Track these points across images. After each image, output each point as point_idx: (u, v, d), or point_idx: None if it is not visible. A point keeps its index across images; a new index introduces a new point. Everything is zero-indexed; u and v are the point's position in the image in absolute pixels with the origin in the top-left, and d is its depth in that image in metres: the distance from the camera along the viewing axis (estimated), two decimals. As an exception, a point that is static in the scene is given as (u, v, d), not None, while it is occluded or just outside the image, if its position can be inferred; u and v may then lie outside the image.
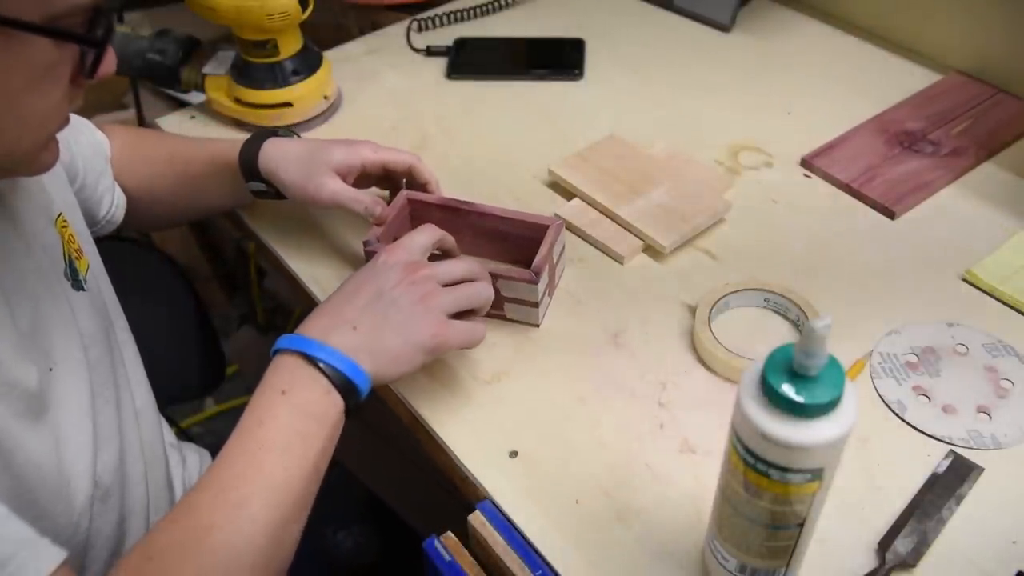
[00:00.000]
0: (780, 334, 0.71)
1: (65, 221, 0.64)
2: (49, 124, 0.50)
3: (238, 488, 0.53)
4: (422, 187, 0.78)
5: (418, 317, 0.61)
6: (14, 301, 0.54)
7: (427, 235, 0.67)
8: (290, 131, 0.85)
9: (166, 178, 0.82)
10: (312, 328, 0.60)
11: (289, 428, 0.55)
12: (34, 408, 0.54)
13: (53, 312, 0.58)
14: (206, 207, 0.87)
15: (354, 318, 0.60)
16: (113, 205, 0.79)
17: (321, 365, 0.57)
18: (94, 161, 0.76)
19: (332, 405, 0.57)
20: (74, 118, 0.77)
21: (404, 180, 0.80)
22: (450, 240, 0.70)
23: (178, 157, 0.82)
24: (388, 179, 0.80)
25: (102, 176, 0.77)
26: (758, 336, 0.71)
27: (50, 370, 0.56)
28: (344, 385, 0.57)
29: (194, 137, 0.88)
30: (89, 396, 0.59)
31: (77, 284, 0.62)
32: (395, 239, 0.67)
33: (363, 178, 0.78)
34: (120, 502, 0.62)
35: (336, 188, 0.74)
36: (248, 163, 0.76)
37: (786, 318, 0.72)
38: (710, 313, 0.70)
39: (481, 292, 0.65)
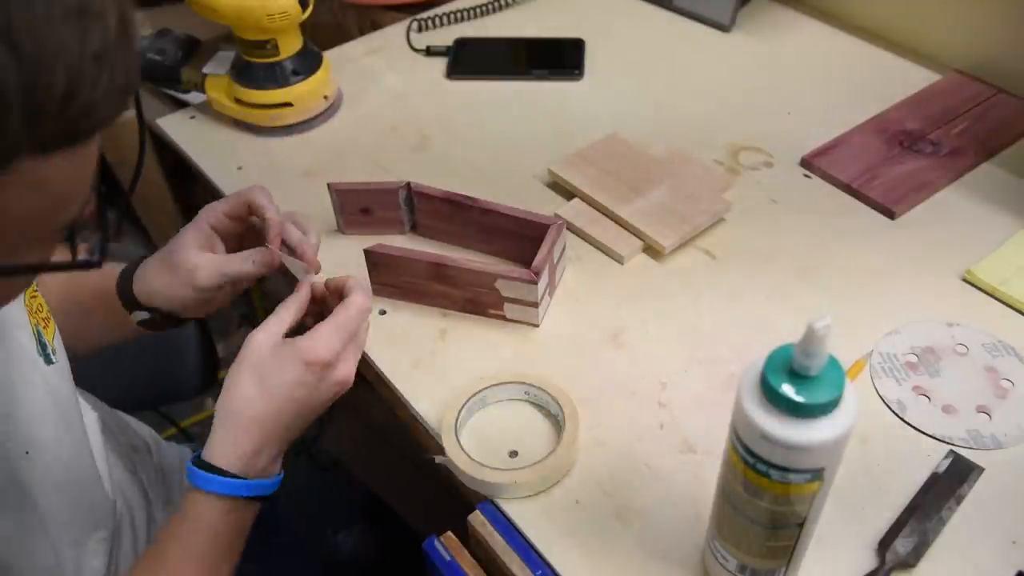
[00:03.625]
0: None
1: (35, 290, 0.63)
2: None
3: None
4: (267, 232, 0.66)
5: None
6: None
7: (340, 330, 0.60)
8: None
9: (60, 303, 0.74)
10: (240, 459, 0.58)
11: (222, 547, 0.58)
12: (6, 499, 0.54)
13: (27, 394, 0.58)
14: (96, 342, 0.76)
15: (283, 436, 0.59)
16: None
17: (255, 503, 0.58)
18: None
19: (255, 512, 0.60)
20: None
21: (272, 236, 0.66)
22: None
23: (73, 281, 0.73)
24: (253, 232, 0.70)
25: None
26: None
27: (27, 453, 0.57)
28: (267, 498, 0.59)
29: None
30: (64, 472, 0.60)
31: (47, 358, 0.61)
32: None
33: (232, 240, 0.70)
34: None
35: (211, 262, 0.65)
36: (125, 292, 0.69)
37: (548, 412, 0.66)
38: (457, 419, 0.63)
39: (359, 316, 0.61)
